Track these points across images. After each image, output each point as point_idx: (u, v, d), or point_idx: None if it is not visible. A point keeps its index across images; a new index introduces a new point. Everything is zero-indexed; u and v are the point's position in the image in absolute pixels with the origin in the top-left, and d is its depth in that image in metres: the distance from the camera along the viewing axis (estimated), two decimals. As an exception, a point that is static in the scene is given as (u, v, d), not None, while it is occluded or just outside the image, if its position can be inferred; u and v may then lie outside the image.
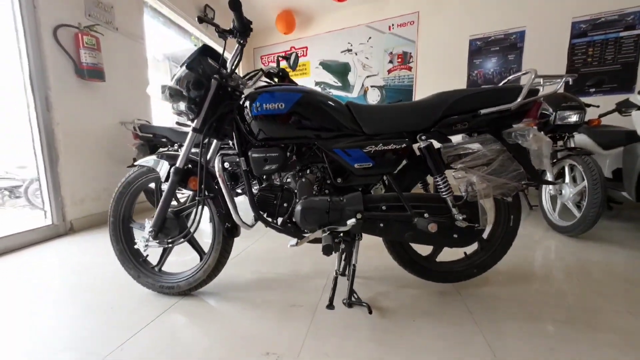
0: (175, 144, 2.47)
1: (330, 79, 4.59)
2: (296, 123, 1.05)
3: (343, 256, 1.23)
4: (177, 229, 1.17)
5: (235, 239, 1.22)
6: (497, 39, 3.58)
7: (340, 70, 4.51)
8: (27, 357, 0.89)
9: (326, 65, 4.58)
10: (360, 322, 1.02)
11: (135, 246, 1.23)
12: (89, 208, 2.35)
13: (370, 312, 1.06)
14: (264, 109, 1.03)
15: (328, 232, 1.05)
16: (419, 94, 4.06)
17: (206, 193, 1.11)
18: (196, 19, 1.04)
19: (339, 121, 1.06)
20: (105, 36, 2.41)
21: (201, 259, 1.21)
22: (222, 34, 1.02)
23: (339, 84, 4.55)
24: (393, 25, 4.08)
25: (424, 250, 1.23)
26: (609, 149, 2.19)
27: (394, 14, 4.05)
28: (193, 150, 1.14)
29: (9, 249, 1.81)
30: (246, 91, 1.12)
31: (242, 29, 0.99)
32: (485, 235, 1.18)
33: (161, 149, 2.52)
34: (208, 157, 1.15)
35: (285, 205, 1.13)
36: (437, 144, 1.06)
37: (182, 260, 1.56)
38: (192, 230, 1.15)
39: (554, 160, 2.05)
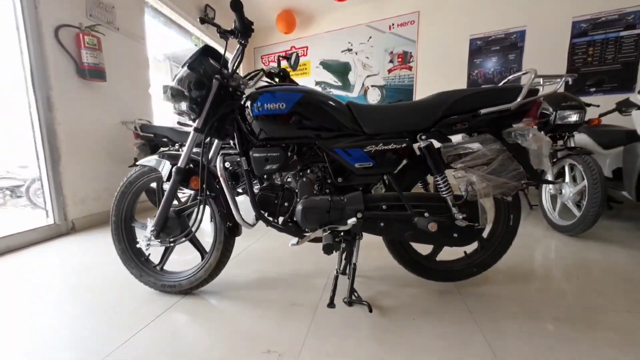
0: (176, 144, 2.48)
1: (330, 78, 4.59)
2: (297, 123, 1.05)
3: (344, 255, 1.24)
4: (179, 228, 1.17)
5: (237, 238, 1.23)
6: (498, 38, 3.58)
7: (341, 70, 4.51)
8: (29, 356, 0.89)
9: (326, 65, 4.59)
10: (360, 321, 1.03)
11: (137, 245, 1.24)
12: (90, 208, 2.36)
13: (371, 311, 1.07)
14: (265, 109, 1.03)
15: (329, 232, 1.06)
16: (420, 94, 4.06)
17: (207, 192, 1.11)
18: (198, 20, 1.04)
19: (339, 121, 1.07)
20: (107, 36, 2.42)
21: (202, 258, 1.22)
22: (224, 34, 1.03)
23: (340, 84, 4.55)
24: (393, 24, 4.08)
25: (424, 249, 1.24)
26: (609, 148, 2.19)
27: (394, 14, 4.05)
28: (194, 150, 1.15)
29: (11, 248, 1.82)
30: (247, 91, 1.13)
31: (244, 30, 1.00)
32: (485, 234, 1.18)
33: (162, 149, 2.53)
34: (209, 156, 1.15)
35: (286, 204, 1.13)
36: (437, 144, 1.07)
37: (184, 260, 1.56)
38: (193, 229, 1.16)
39: (554, 160, 2.05)
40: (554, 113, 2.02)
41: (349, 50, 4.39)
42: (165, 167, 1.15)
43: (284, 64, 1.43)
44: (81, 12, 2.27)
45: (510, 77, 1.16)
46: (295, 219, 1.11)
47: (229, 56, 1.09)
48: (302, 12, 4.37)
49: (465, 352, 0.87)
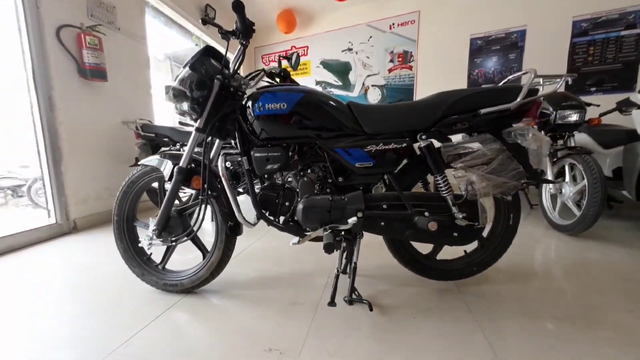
0: (177, 144, 2.49)
1: (331, 78, 4.60)
2: (298, 123, 1.06)
3: (344, 254, 1.24)
4: (181, 227, 1.18)
5: (238, 238, 1.24)
6: (498, 38, 3.58)
7: (341, 70, 4.51)
8: (32, 354, 0.90)
9: (327, 65, 4.59)
10: (361, 320, 1.03)
11: (139, 244, 1.24)
12: (92, 207, 2.37)
13: (371, 310, 1.08)
14: (266, 109, 1.04)
15: (329, 231, 1.07)
16: (420, 93, 4.06)
17: (209, 192, 1.12)
18: (199, 20, 1.05)
19: (340, 121, 1.07)
20: (108, 36, 2.43)
21: (204, 257, 1.23)
22: (225, 35, 1.03)
23: (340, 83, 4.55)
24: (394, 24, 4.08)
25: (424, 248, 1.24)
26: (609, 148, 2.19)
27: (394, 13, 4.05)
28: (196, 149, 1.15)
29: (13, 247, 1.83)
30: (248, 91, 1.13)
31: (245, 30, 1.01)
32: (485, 233, 1.19)
33: (163, 149, 2.53)
34: (211, 156, 1.16)
35: (287, 204, 1.14)
36: (437, 144, 1.08)
37: (185, 259, 1.57)
38: (195, 228, 1.16)
39: (555, 159, 2.06)
40: (554, 113, 2.03)
41: (350, 49, 4.39)
42: (167, 167, 1.16)
43: (284, 63, 1.43)
44: (82, 12, 2.28)
45: (510, 77, 1.16)
46: (296, 218, 1.11)
47: (230, 56, 1.10)
48: (303, 12, 4.37)
49: (465, 351, 0.88)
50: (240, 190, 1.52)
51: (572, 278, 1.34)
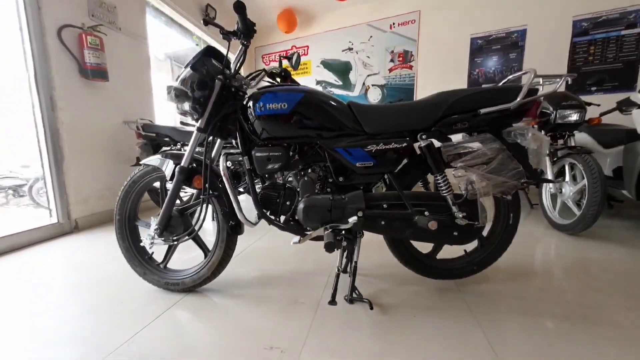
0: (178, 143, 2.49)
1: (331, 77, 4.60)
2: (299, 123, 1.06)
3: (345, 253, 1.25)
4: (182, 226, 1.19)
5: (239, 237, 1.24)
6: (499, 37, 3.58)
7: (342, 69, 4.52)
8: (35, 352, 0.91)
9: (327, 64, 4.59)
10: (361, 318, 1.04)
11: (141, 244, 1.25)
12: (93, 207, 2.38)
13: (372, 308, 1.08)
14: (267, 109, 1.05)
15: (330, 230, 1.07)
16: (420, 93, 4.07)
17: (210, 192, 1.13)
18: (199, 20, 1.06)
19: (340, 121, 1.08)
20: (109, 36, 2.44)
21: (205, 256, 1.24)
22: (227, 35, 1.04)
23: (340, 83, 4.56)
24: (394, 24, 4.09)
25: (424, 247, 1.25)
26: (609, 147, 2.20)
27: (395, 13, 4.06)
28: (197, 149, 1.16)
29: (15, 246, 1.84)
30: (249, 91, 1.14)
31: (246, 31, 1.01)
32: (485, 233, 1.19)
33: (164, 148, 2.54)
34: (212, 156, 1.17)
35: (287, 203, 1.15)
36: (437, 143, 1.08)
37: (186, 258, 1.58)
38: (196, 228, 1.17)
39: (555, 159, 2.06)
40: (555, 112, 2.03)
41: (350, 49, 4.40)
42: (168, 167, 1.16)
43: (285, 63, 1.44)
44: (83, 13, 2.29)
45: (510, 76, 1.17)
46: (297, 218, 1.12)
47: (231, 57, 1.11)
48: (303, 12, 4.38)
49: (465, 350, 0.89)
50: (241, 189, 1.53)
51: (572, 277, 1.34)
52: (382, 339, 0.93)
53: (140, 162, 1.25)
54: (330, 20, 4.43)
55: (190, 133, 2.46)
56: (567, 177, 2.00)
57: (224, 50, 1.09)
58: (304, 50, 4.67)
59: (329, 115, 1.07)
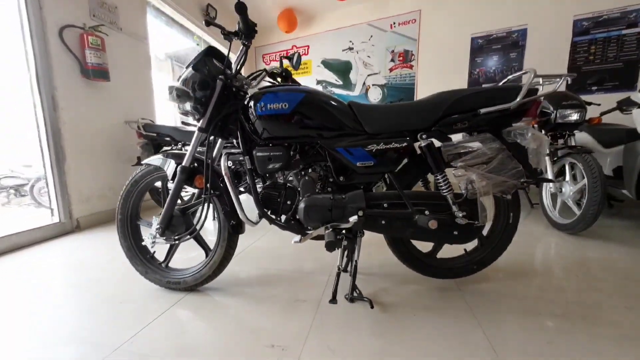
0: (179, 143, 2.50)
1: (332, 77, 4.60)
2: (299, 122, 1.07)
3: (345, 253, 1.26)
4: (184, 226, 1.19)
5: (240, 236, 1.25)
6: (499, 37, 3.58)
7: (342, 69, 4.52)
8: (38, 350, 0.92)
9: (328, 64, 4.60)
10: (362, 317, 1.05)
11: (143, 243, 1.26)
12: (95, 206, 2.39)
13: (372, 307, 1.09)
14: (268, 109, 1.05)
15: (331, 229, 1.08)
16: (421, 93, 4.07)
17: (212, 191, 1.13)
18: (203, 22, 1.06)
19: (341, 120, 1.08)
20: (110, 36, 2.44)
21: (207, 255, 1.24)
22: (228, 36, 1.04)
23: (341, 83, 4.56)
24: (395, 23, 4.09)
25: (424, 247, 1.25)
26: (609, 147, 2.20)
27: (395, 12, 4.06)
28: (198, 149, 1.17)
29: (17, 246, 1.85)
30: (250, 91, 1.15)
31: (247, 31, 1.02)
32: (485, 232, 1.20)
33: (165, 148, 2.55)
34: (213, 155, 1.17)
35: (288, 202, 1.15)
36: (437, 143, 1.09)
37: (188, 257, 1.59)
38: (198, 227, 1.18)
39: (555, 159, 2.06)
40: (555, 112, 2.03)
41: (350, 49, 4.40)
42: (170, 166, 1.17)
43: (286, 63, 1.44)
44: (85, 13, 2.29)
45: (510, 76, 1.17)
46: (297, 217, 1.13)
47: (232, 57, 1.11)
48: (303, 11, 4.38)
49: (465, 348, 0.89)
50: (242, 189, 1.53)
51: (572, 277, 1.35)
52: (383, 337, 0.94)
53: (142, 162, 1.25)
54: (330, 20, 4.43)
55: (191, 133, 2.47)
56: (567, 177, 2.00)
57: (225, 51, 1.10)
58: (305, 50, 4.67)
59: (330, 115, 1.08)
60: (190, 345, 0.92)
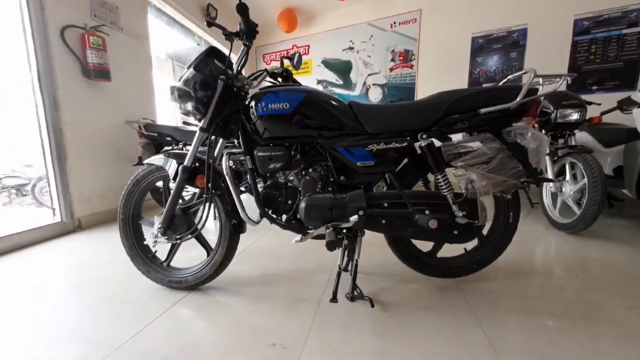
0: (180, 143, 2.51)
1: (332, 77, 4.61)
2: (300, 122, 1.07)
3: (346, 252, 1.26)
4: (185, 225, 1.20)
5: (241, 236, 1.25)
6: (500, 36, 3.58)
7: (342, 69, 4.52)
8: (40, 348, 0.92)
9: (328, 64, 4.60)
10: (362, 316, 1.05)
11: (145, 242, 1.26)
12: (96, 206, 2.40)
13: (373, 306, 1.10)
14: (269, 109, 1.06)
15: (331, 229, 1.08)
16: (421, 92, 4.07)
17: (213, 191, 1.14)
18: (204, 22, 1.07)
19: (341, 120, 1.09)
20: (111, 36, 2.45)
21: (208, 255, 1.25)
22: (229, 36, 1.05)
23: (341, 82, 4.56)
24: (395, 23, 4.09)
25: (425, 246, 1.26)
26: (610, 146, 2.20)
27: (396, 12, 4.05)
28: (200, 149, 1.17)
29: (19, 245, 1.86)
30: (251, 91, 1.15)
31: (249, 32, 1.02)
32: (485, 231, 1.21)
33: (166, 148, 2.56)
34: (214, 155, 1.18)
35: (289, 202, 1.16)
36: (437, 143, 1.09)
37: (189, 257, 1.59)
38: (199, 226, 1.18)
39: (555, 158, 2.07)
40: (555, 111, 2.04)
41: (351, 48, 4.40)
42: (171, 166, 1.18)
43: (286, 63, 1.45)
44: (86, 13, 2.30)
45: (510, 76, 1.17)
46: (298, 217, 1.13)
47: (234, 57, 1.12)
48: (304, 11, 4.38)
49: (464, 345, 0.90)
50: (243, 189, 1.54)
51: (572, 276, 1.35)
52: (383, 337, 0.94)
53: (144, 162, 1.26)
54: (330, 20, 4.43)
55: (191, 133, 2.48)
56: (568, 176, 2.01)
57: (226, 51, 1.10)
58: (305, 49, 4.68)
59: (331, 115, 1.08)
60: (191, 344, 0.93)
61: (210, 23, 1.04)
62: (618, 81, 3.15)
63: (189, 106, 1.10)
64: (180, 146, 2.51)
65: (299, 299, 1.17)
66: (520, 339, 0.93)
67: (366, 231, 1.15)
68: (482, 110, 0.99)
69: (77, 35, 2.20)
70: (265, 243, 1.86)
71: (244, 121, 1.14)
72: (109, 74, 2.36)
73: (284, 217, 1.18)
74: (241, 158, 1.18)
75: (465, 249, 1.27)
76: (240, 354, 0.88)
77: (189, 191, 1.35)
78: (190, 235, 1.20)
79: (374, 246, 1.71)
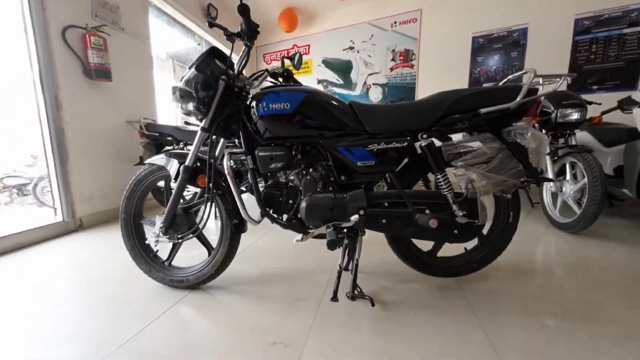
0: (181, 143, 2.52)
1: (332, 77, 4.61)
2: (301, 122, 1.08)
3: (346, 251, 1.27)
4: (187, 225, 1.21)
5: (242, 235, 1.26)
6: (500, 36, 3.58)
7: (343, 68, 4.52)
8: (43, 346, 0.93)
9: (328, 63, 4.60)
10: (363, 315, 1.06)
11: (146, 242, 1.27)
12: (98, 205, 2.40)
13: (373, 305, 1.10)
14: (270, 109, 1.06)
15: (332, 228, 1.09)
16: (421, 92, 4.07)
17: (214, 190, 1.14)
18: (202, 20, 1.07)
19: (342, 120, 1.09)
20: (112, 36, 2.45)
21: (209, 254, 1.26)
22: (230, 37, 1.05)
23: (342, 82, 4.56)
24: (395, 22, 4.09)
25: (425, 245, 1.26)
26: (610, 146, 2.20)
27: (396, 12, 4.06)
28: (201, 148, 1.18)
29: (21, 245, 1.87)
30: (252, 91, 1.16)
31: (250, 33, 1.03)
32: (485, 231, 1.21)
33: (167, 148, 2.56)
34: (216, 155, 1.18)
35: (290, 202, 1.16)
36: (438, 143, 1.09)
37: (190, 256, 1.60)
38: (200, 226, 1.19)
39: (555, 158, 2.07)
40: (555, 111, 2.04)
41: (351, 48, 4.40)
42: (173, 166, 1.18)
43: (287, 63, 1.45)
44: (87, 13, 2.30)
45: (510, 76, 1.18)
46: (299, 216, 1.14)
47: (235, 57, 1.12)
48: (304, 11, 4.38)
49: (464, 344, 0.90)
50: (244, 188, 1.54)
51: (572, 276, 1.35)
52: (383, 336, 0.95)
53: (145, 162, 1.26)
54: (331, 20, 4.43)
55: (192, 133, 2.48)
56: (568, 176, 2.01)
57: (227, 51, 1.11)
58: (305, 49, 4.68)
59: (331, 115, 1.09)
60: (192, 343, 0.93)
61: (212, 24, 1.04)
62: (618, 81, 3.15)
63: (191, 106, 1.10)
64: (181, 146, 2.52)
65: (300, 298, 1.18)
66: (521, 338, 0.93)
67: (367, 231, 1.16)
68: (482, 110, 1.00)
69: (78, 36, 2.21)
70: (266, 242, 1.87)
71: (245, 121, 1.15)
72: (110, 74, 2.36)
73: (285, 216, 1.18)
74: (242, 158, 1.18)
75: (465, 249, 1.28)
76: (241, 353, 0.89)
77: (190, 191, 1.35)
78: (191, 235, 1.21)
79: (375, 245, 1.71)
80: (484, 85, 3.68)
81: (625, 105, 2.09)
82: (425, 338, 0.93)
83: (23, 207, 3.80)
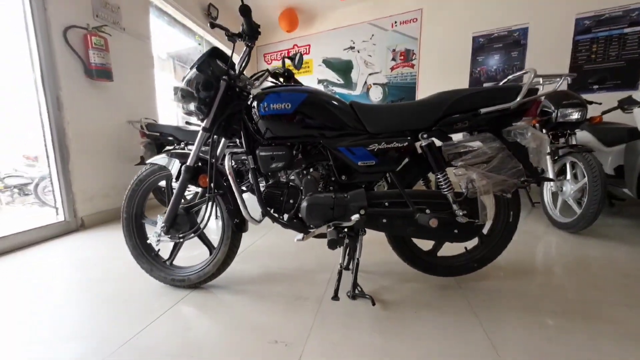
0: (182, 142, 2.52)
1: (333, 76, 4.61)
2: (302, 122, 1.08)
3: (347, 251, 1.27)
4: (188, 224, 1.21)
5: (243, 235, 1.26)
6: (500, 35, 3.58)
7: (343, 68, 4.52)
8: (46, 345, 0.94)
9: (329, 63, 4.60)
10: (363, 314, 1.06)
11: (148, 241, 1.27)
12: (99, 205, 2.41)
13: (374, 304, 1.10)
14: (271, 109, 1.07)
15: (333, 228, 1.09)
16: (422, 92, 4.07)
17: (216, 190, 1.15)
18: (203, 20, 1.07)
19: (343, 120, 1.10)
20: (113, 36, 2.46)
21: (211, 253, 1.26)
22: (232, 37, 1.06)
23: (342, 82, 4.57)
24: (396, 22, 4.09)
25: (425, 245, 1.27)
26: (611, 146, 2.20)
27: (396, 11, 4.05)
28: (202, 148, 1.18)
29: (23, 244, 1.88)
30: (253, 91, 1.16)
31: (251, 33, 1.03)
32: (485, 230, 1.21)
33: (168, 147, 2.57)
34: (217, 155, 1.19)
35: (291, 201, 1.17)
36: (438, 142, 1.10)
37: (191, 256, 1.60)
38: (202, 225, 1.19)
39: (556, 158, 2.07)
40: (556, 111, 2.04)
41: (352, 48, 4.40)
42: (174, 166, 1.19)
43: (288, 63, 1.45)
44: (88, 13, 2.31)
45: (510, 76, 1.18)
46: (300, 216, 1.14)
47: (236, 58, 1.13)
48: (305, 11, 4.38)
49: (465, 343, 0.90)
50: (244, 188, 1.55)
51: (572, 275, 1.36)
52: (384, 335, 0.95)
53: (147, 162, 1.27)
54: (331, 19, 4.43)
55: (193, 132, 2.49)
56: (568, 176, 2.01)
57: (228, 51, 1.11)
58: (306, 49, 4.68)
59: (332, 115, 1.09)
60: (194, 342, 0.94)
61: (214, 24, 1.05)
62: (619, 80, 3.14)
63: (192, 106, 1.11)
64: (182, 146, 2.52)
65: (301, 297, 1.18)
66: (521, 337, 0.93)
67: (367, 230, 1.16)
68: (483, 110, 1.00)
69: (79, 36, 2.22)
70: (267, 242, 1.87)
71: (246, 121, 1.15)
72: (111, 74, 2.37)
73: (286, 216, 1.19)
74: (243, 158, 1.19)
75: (465, 248, 1.28)
76: (241, 351, 0.89)
77: (191, 190, 1.36)
78: (193, 234, 1.21)
79: (375, 245, 1.71)
80: (484, 85, 3.68)
81: (626, 104, 2.09)
82: (425, 337, 0.94)
83: (24, 206, 3.81)
